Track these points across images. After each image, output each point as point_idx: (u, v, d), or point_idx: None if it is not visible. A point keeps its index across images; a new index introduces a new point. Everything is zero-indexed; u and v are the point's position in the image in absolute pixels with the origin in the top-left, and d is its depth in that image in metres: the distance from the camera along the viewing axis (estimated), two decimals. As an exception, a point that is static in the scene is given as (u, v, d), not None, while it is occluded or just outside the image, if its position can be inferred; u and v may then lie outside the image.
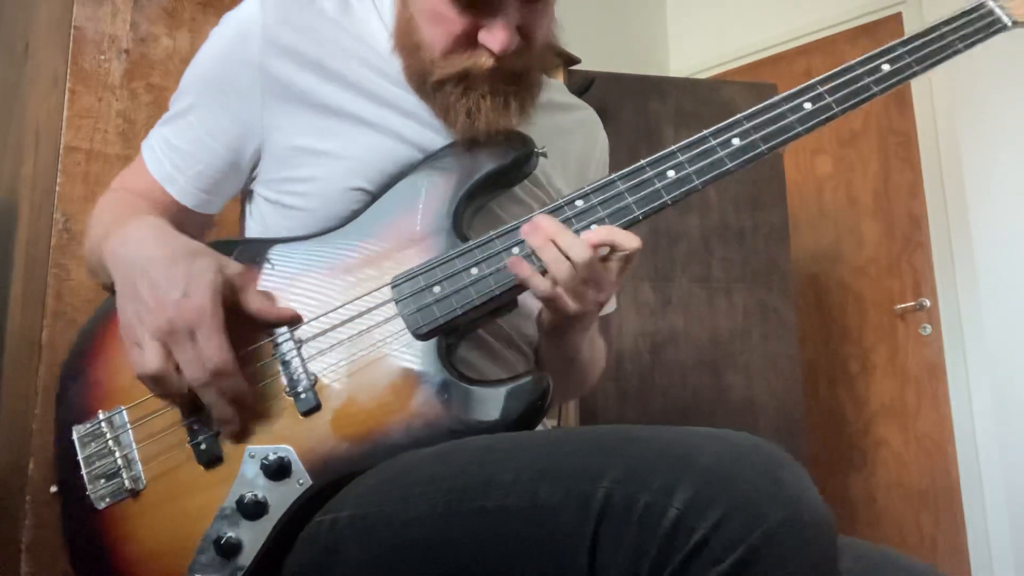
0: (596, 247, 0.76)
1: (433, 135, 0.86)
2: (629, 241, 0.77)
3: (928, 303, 2.90)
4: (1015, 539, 2.58)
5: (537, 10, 0.81)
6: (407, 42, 0.83)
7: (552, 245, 0.76)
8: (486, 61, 0.80)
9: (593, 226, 0.79)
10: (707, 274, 2.55)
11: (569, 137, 0.99)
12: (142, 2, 1.53)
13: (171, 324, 0.72)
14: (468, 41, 0.80)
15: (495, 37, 0.78)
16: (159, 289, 0.73)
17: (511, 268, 0.78)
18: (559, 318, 0.82)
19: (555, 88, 1.00)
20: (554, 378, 0.94)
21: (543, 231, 0.77)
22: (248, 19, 0.86)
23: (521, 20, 0.80)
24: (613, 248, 0.77)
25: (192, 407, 0.78)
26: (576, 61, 2.60)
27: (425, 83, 0.83)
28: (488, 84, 0.81)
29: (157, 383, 0.73)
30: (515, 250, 0.79)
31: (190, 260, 0.75)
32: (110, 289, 0.84)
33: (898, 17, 3.07)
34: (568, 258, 0.76)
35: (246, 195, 0.94)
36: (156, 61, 1.53)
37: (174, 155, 0.89)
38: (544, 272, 0.77)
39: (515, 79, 0.83)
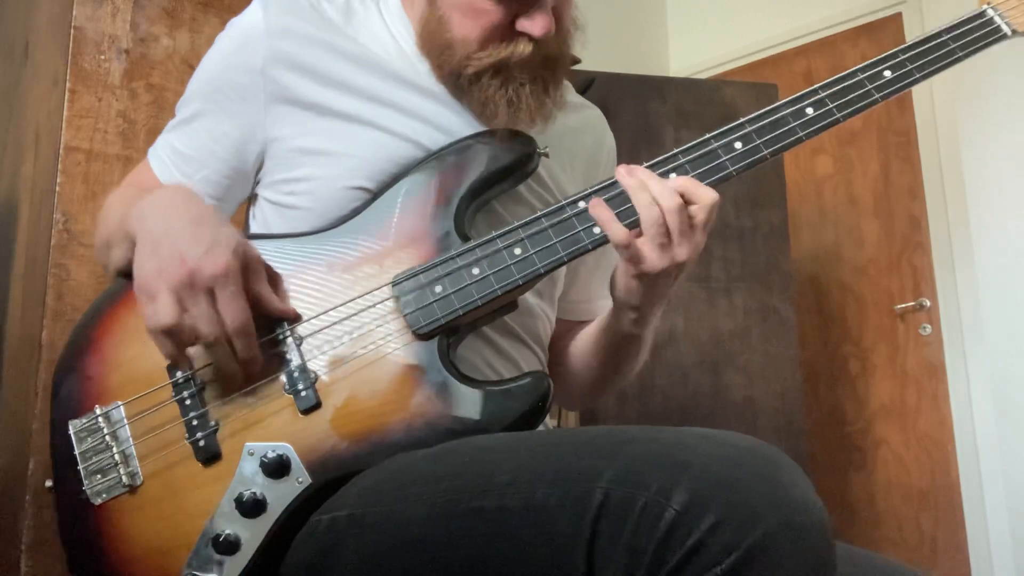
0: (680, 194, 0.77)
1: (436, 133, 0.86)
2: (706, 194, 0.77)
3: (928, 303, 2.89)
4: (1015, 539, 2.58)
5: None
6: (437, 41, 0.84)
7: (645, 189, 0.77)
8: (525, 48, 0.81)
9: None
10: (707, 274, 2.55)
11: (577, 136, 0.99)
12: (142, 2, 1.53)
13: (192, 278, 0.72)
14: (505, 31, 0.81)
15: (536, 23, 0.80)
16: (183, 245, 0.73)
17: (591, 210, 0.78)
18: (637, 278, 0.80)
19: (564, 87, 1.00)
20: (612, 363, 0.95)
21: (638, 174, 0.78)
22: (251, 26, 0.86)
23: (553, 2, 0.81)
24: (691, 200, 0.77)
25: (191, 400, 0.78)
26: (576, 61, 2.59)
27: (459, 79, 0.83)
28: (528, 72, 0.82)
29: (168, 336, 0.73)
30: (517, 251, 0.79)
31: (217, 225, 0.76)
32: (124, 272, 0.84)
33: (898, 17, 3.07)
34: (658, 203, 0.76)
35: (250, 198, 0.94)
36: (156, 61, 1.53)
37: (180, 162, 0.90)
38: (630, 226, 0.77)
39: (550, 63, 0.84)
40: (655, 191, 0.76)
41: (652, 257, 0.77)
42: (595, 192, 0.80)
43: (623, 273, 0.81)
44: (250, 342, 0.74)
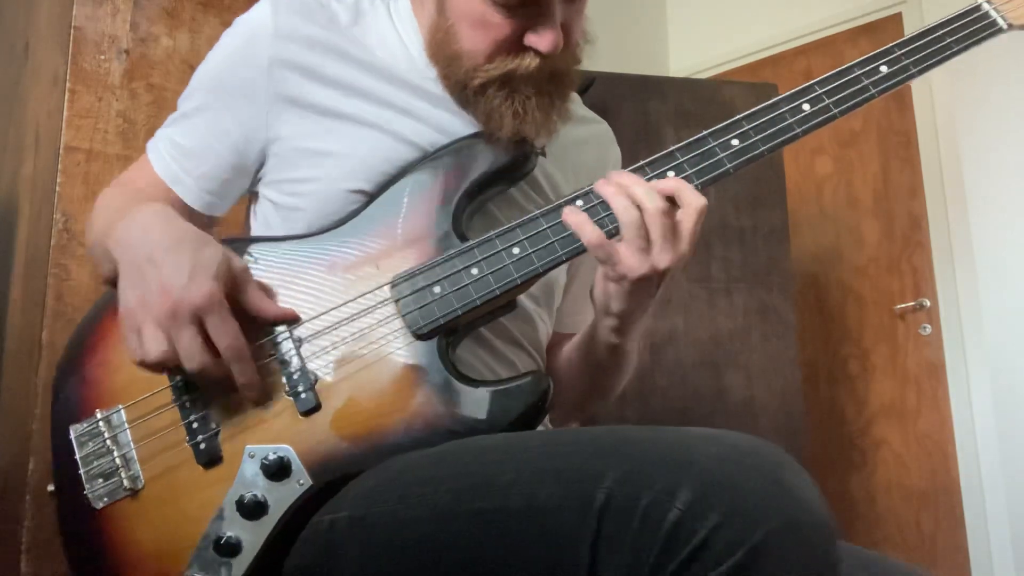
0: (664, 195, 0.76)
1: (437, 136, 0.86)
2: (695, 199, 0.76)
3: (928, 303, 2.89)
4: (1015, 539, 2.58)
5: (576, 7, 0.83)
6: (446, 51, 0.84)
7: (623, 193, 0.76)
8: (532, 62, 0.81)
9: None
10: (707, 274, 2.55)
11: (583, 149, 0.99)
12: (142, 2, 1.53)
13: (175, 309, 0.71)
14: (513, 45, 0.81)
15: (544, 39, 0.80)
16: (164, 274, 0.72)
17: (565, 218, 0.78)
18: (616, 283, 0.79)
19: (572, 100, 1.00)
20: (593, 376, 0.94)
21: (616, 179, 0.77)
22: (259, 24, 0.86)
23: (563, 17, 0.81)
24: (678, 201, 0.76)
25: (191, 403, 0.78)
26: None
27: (466, 89, 0.83)
28: (533, 85, 0.82)
29: (159, 370, 0.73)
30: (515, 250, 0.79)
31: (196, 248, 0.75)
32: (112, 282, 0.83)
33: (898, 17, 3.07)
34: (638, 206, 0.75)
35: (252, 197, 0.94)
36: (156, 61, 1.53)
37: (180, 156, 0.89)
38: (608, 230, 0.77)
39: (557, 78, 0.83)
40: (636, 194, 0.76)
41: (630, 261, 0.76)
42: (594, 192, 0.80)
43: (601, 276, 0.81)
44: (246, 366, 0.74)
